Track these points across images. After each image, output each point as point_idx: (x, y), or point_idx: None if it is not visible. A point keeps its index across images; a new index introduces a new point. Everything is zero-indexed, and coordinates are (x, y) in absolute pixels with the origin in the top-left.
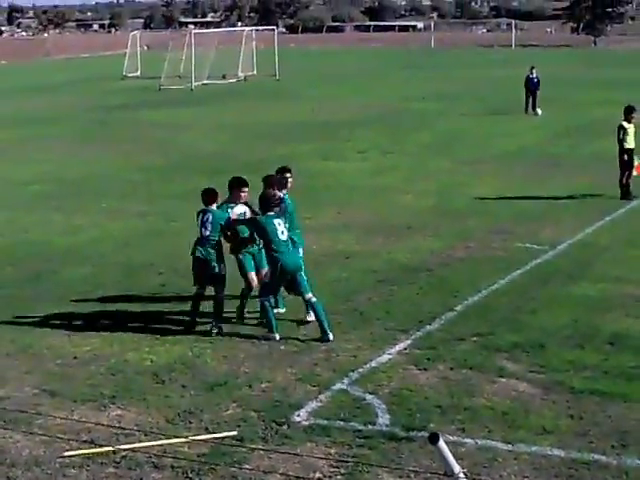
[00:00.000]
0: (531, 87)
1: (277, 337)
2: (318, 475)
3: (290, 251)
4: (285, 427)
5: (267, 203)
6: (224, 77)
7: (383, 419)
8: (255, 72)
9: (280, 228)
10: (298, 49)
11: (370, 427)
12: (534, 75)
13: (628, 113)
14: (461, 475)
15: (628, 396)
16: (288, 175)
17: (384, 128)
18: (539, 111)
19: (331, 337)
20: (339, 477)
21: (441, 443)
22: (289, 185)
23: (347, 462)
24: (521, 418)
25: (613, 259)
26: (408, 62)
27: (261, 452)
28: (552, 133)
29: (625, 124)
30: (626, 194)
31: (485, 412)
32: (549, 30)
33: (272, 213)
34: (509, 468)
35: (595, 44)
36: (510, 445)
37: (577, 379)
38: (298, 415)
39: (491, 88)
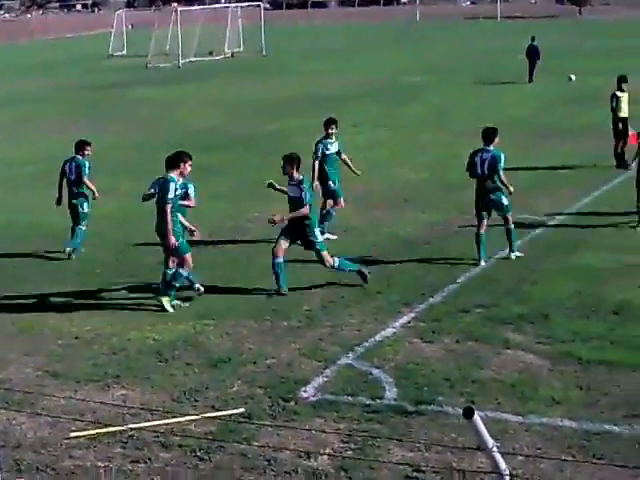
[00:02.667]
0: (533, 56)
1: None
2: (329, 450)
3: None
4: (292, 403)
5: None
6: (211, 54)
7: (391, 393)
8: (242, 49)
9: None
10: (284, 25)
11: (378, 401)
12: (535, 44)
13: (621, 82)
14: (494, 449)
15: (636, 365)
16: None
17: (375, 102)
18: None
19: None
20: (350, 452)
21: (476, 417)
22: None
23: (357, 437)
24: (530, 390)
25: (612, 228)
26: (395, 36)
27: (269, 429)
28: (546, 103)
29: (618, 93)
30: (621, 163)
31: (493, 384)
32: (533, 1)
33: None
34: (521, 440)
35: (580, 13)
36: (520, 417)
37: (584, 349)
38: (305, 391)
39: (481, 60)
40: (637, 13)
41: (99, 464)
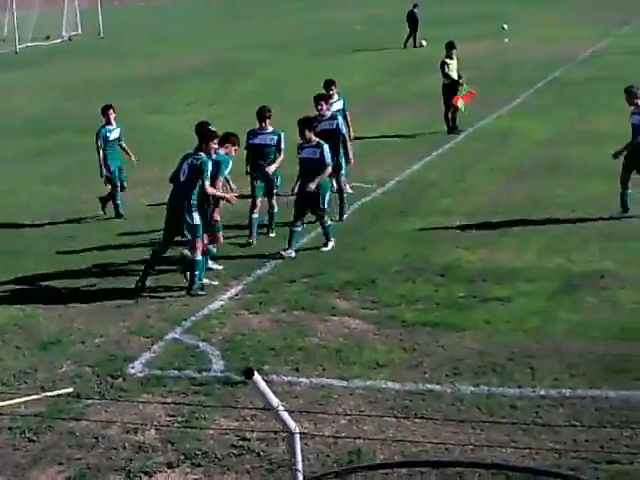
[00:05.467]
0: (413, 22)
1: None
2: (156, 424)
3: None
4: (120, 380)
5: None
6: (48, 38)
7: (217, 365)
8: (80, 31)
9: None
10: (123, 6)
11: (205, 374)
12: (416, 11)
13: (449, 49)
14: (280, 408)
15: (459, 325)
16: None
17: (210, 80)
18: (424, 42)
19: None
20: (176, 425)
21: (256, 377)
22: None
23: (183, 410)
24: (354, 354)
25: (441, 193)
26: (233, 13)
27: (98, 406)
28: (380, 73)
29: (447, 60)
30: (452, 128)
31: (319, 351)
32: None
33: None
34: (345, 404)
35: None
36: (345, 381)
37: (409, 312)
38: (132, 367)
39: (317, 32)
40: None
41: None
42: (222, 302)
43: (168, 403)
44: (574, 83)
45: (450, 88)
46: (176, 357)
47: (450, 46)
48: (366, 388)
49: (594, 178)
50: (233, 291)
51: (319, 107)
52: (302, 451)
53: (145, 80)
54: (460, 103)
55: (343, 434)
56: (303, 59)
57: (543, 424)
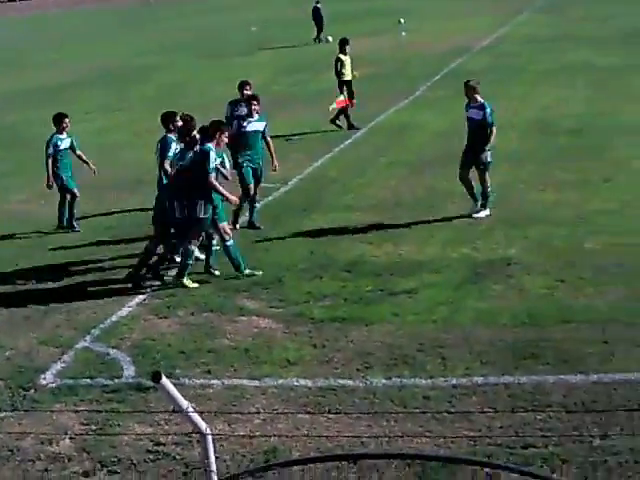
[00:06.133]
0: (318, 19)
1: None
2: (70, 434)
3: None
4: (32, 391)
5: None
6: None
7: (129, 371)
8: None
9: None
10: (21, 17)
11: (117, 381)
12: (319, 6)
13: (343, 45)
14: (190, 409)
15: (368, 320)
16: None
17: (108, 87)
18: (330, 38)
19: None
20: (91, 433)
21: (164, 380)
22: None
23: (97, 418)
24: (265, 354)
25: (342, 189)
26: (125, 20)
27: (11, 419)
28: (279, 71)
29: (342, 56)
30: (350, 125)
31: (229, 352)
32: None
33: None
34: (258, 403)
35: None
36: (257, 381)
37: (317, 309)
38: (44, 378)
39: (213, 34)
40: None
41: None
42: (130, 308)
43: (82, 411)
44: (471, 73)
45: (345, 85)
46: (87, 365)
47: (344, 42)
48: (278, 386)
49: (495, 166)
50: (141, 297)
51: (253, 107)
52: (217, 452)
53: (42, 90)
54: (334, 105)
55: (258, 433)
56: (201, 62)
57: (457, 412)
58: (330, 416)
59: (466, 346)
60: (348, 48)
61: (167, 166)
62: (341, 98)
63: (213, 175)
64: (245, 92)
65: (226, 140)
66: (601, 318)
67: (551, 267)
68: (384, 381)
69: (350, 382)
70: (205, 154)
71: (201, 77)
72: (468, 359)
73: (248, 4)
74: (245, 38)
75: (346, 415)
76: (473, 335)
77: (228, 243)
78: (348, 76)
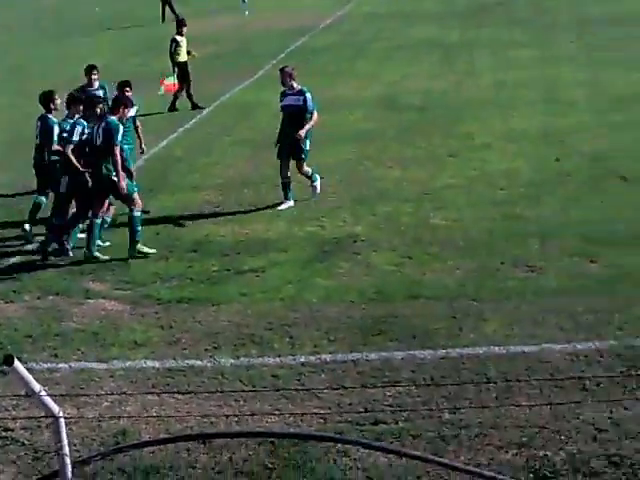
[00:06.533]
0: None
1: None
2: None
3: None
4: None
5: None
6: None
7: None
8: None
9: None
10: None
11: None
12: None
13: (180, 26)
14: (42, 393)
15: (215, 299)
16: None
17: None
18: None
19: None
20: None
21: (16, 364)
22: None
23: None
24: (112, 336)
25: (188, 169)
26: None
27: None
28: (123, 52)
29: (178, 37)
30: (195, 104)
31: (76, 335)
32: None
33: None
34: (106, 386)
35: None
36: (104, 364)
37: (164, 290)
38: None
39: (55, 15)
40: None
41: None
42: None
43: None
44: (316, 51)
45: (179, 66)
46: None
47: (180, 23)
48: (126, 369)
49: (342, 144)
50: None
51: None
52: (67, 436)
53: None
54: (162, 88)
55: (107, 416)
56: (43, 42)
57: (306, 390)
58: (179, 397)
59: (314, 324)
60: (185, 29)
61: (57, 147)
62: (170, 81)
63: (119, 148)
64: (93, 76)
65: (128, 114)
66: (448, 294)
67: (398, 243)
68: (232, 361)
69: (198, 362)
70: (115, 127)
71: (45, 58)
72: (316, 337)
73: None
74: (90, 18)
75: (195, 395)
76: (321, 313)
77: (136, 214)
78: (183, 57)
